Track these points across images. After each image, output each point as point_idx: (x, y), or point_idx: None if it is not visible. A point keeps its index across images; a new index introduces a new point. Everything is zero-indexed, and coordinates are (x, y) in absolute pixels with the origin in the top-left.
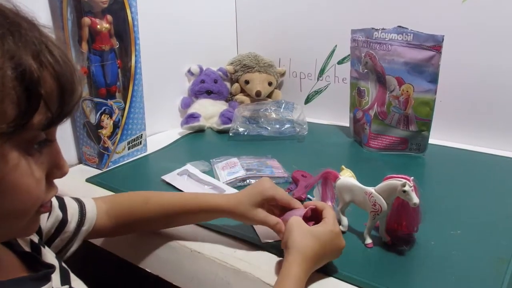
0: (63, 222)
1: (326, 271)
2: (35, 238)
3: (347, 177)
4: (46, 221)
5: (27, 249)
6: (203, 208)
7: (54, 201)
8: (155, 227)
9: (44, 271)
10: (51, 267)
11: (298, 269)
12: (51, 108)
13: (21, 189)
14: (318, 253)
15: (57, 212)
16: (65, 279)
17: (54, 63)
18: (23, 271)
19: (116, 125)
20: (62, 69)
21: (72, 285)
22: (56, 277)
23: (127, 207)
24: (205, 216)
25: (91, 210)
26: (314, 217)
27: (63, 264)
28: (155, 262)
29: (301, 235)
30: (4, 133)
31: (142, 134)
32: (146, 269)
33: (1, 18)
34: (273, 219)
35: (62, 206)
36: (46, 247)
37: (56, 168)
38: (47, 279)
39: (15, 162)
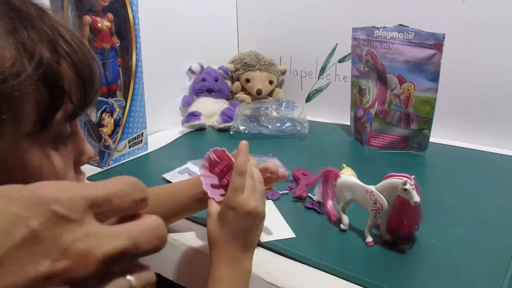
0: None
1: (326, 269)
2: None
3: (348, 176)
4: None
5: None
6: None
7: None
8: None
9: None
10: None
11: (219, 269)
12: (73, 100)
13: None
14: (230, 236)
15: None
16: None
17: (71, 51)
18: None
19: (117, 124)
20: (79, 56)
21: None
22: None
23: None
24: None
25: None
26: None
27: None
28: (156, 261)
29: (209, 228)
30: (29, 133)
31: (143, 133)
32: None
33: (8, 9)
34: None
35: None
36: None
37: (81, 155)
38: None
39: (44, 161)
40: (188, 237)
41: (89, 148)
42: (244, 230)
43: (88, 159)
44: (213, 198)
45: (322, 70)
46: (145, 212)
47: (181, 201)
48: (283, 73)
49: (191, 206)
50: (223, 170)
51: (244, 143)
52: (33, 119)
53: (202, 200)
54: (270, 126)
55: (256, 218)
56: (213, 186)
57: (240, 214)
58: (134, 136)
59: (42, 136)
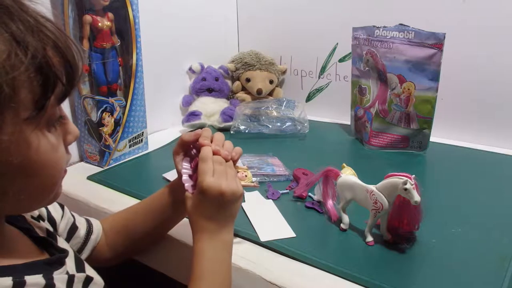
0: (74, 226)
1: (327, 268)
2: (51, 228)
3: (348, 175)
4: (61, 220)
5: (43, 235)
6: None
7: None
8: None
9: (57, 255)
10: (64, 252)
11: (201, 243)
12: (62, 81)
13: (50, 166)
14: (206, 215)
15: (69, 215)
16: (80, 267)
17: (53, 37)
18: (38, 255)
19: (117, 123)
20: (61, 41)
21: (87, 273)
22: (71, 263)
23: (123, 221)
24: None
25: (96, 222)
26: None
27: (77, 254)
28: (159, 259)
29: (188, 210)
30: (30, 118)
31: (143, 132)
32: (149, 266)
33: None
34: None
35: (72, 213)
36: (61, 238)
37: (69, 134)
38: (61, 263)
39: (42, 142)
40: (191, 238)
41: (75, 128)
42: (219, 209)
43: (74, 138)
44: (187, 190)
45: (323, 69)
46: (131, 229)
47: (160, 211)
48: (284, 72)
49: (173, 212)
50: (197, 163)
51: (203, 132)
52: (30, 106)
53: (180, 202)
54: (270, 126)
55: (231, 198)
56: (190, 177)
57: (212, 197)
58: (134, 135)
59: (39, 121)
